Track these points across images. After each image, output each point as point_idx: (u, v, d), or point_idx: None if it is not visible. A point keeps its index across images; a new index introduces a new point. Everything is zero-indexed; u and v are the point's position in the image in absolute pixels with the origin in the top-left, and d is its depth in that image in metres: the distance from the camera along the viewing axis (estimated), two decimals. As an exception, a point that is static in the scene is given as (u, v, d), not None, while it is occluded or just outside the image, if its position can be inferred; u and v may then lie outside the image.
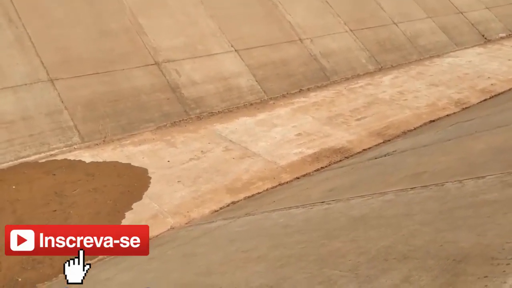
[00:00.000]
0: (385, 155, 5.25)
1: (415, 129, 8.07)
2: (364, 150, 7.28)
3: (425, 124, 8.28)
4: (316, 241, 2.38)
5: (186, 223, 5.21)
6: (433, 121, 8.39)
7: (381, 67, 11.27)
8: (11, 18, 7.56)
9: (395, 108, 8.97)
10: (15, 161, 6.23)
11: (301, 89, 9.71)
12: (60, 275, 4.28)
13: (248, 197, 5.81)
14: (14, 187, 5.79)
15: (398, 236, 2.01)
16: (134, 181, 6.27)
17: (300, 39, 10.73)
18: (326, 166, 6.67)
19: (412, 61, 11.93)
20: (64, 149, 6.68)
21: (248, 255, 2.56)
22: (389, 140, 7.60)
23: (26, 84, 7.02)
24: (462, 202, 2.19)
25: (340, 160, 6.88)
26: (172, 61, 8.65)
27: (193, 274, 2.59)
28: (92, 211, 5.40)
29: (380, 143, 7.52)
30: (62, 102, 7.13)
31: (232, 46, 9.60)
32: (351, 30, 11.71)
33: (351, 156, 7.04)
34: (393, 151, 5.35)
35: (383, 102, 9.25)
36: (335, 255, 2.01)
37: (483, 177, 2.48)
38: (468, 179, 2.49)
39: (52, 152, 6.56)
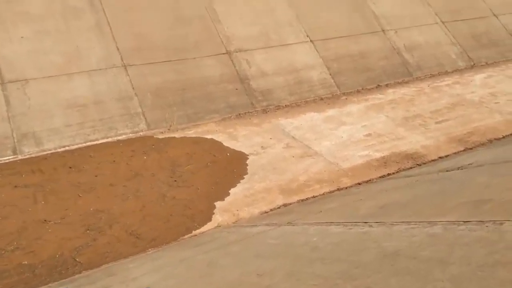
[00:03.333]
0: (457, 168, 4.66)
1: (504, 137, 7.16)
2: (440, 158, 6.61)
3: (517, 132, 7.32)
4: (331, 279, 2.08)
5: (234, 222, 5.08)
6: (528, 129, 7.39)
7: (474, 64, 10.20)
8: (93, 2, 7.86)
9: (484, 112, 8.05)
10: (84, 144, 6.49)
11: (378, 85, 9.09)
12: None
13: (302, 200, 5.53)
14: (145, 157, 6.21)
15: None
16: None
17: (383, 30, 10.03)
18: (393, 173, 6.15)
19: (511, 59, 10.64)
20: (131, 135, 6.84)
21: (259, 281, 2.33)
22: (470, 149, 6.83)
23: (101, 69, 7.27)
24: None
25: (411, 168, 6.30)
26: (244, 51, 8.50)
27: (201, 294, 2.43)
28: (197, 187, 5.79)
29: (460, 151, 6.78)
30: (133, 88, 7.30)
31: (308, 36, 9.22)
32: (442, 22, 10.71)
33: (424, 163, 6.43)
34: (468, 164, 4.74)
35: (471, 104, 8.35)
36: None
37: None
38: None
39: (119, 138, 6.75)
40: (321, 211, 4.05)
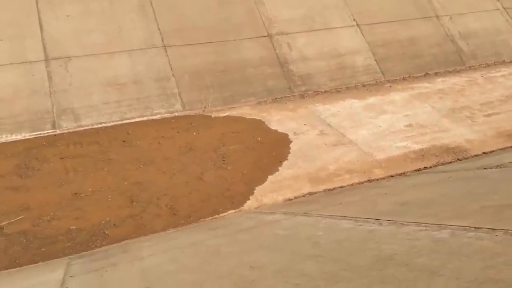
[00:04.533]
0: (497, 166, 4.32)
1: (560, 135, 6.58)
2: (484, 153, 6.18)
3: None
4: (315, 280, 1.96)
5: (256, 208, 5.02)
6: None
7: (537, 54, 9.40)
8: (138, -16, 7.93)
9: (541, 106, 7.43)
10: (120, 121, 6.63)
11: (427, 73, 8.61)
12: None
13: (329, 189, 5.36)
14: (194, 133, 6.45)
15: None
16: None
17: (436, 16, 9.45)
18: (430, 167, 5.82)
19: None
20: (166, 115, 6.92)
21: (248, 274, 2.25)
22: (520, 145, 6.33)
23: (141, 49, 7.37)
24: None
25: (450, 162, 5.94)
26: (285, 34, 8.31)
27: (189, 283, 2.39)
28: (241, 167, 5.84)
29: (508, 148, 6.31)
30: (171, 69, 7.35)
31: (354, 20, 8.86)
32: (504, 8, 9.93)
33: (465, 158, 6.03)
34: (509, 162, 4.38)
35: (527, 97, 7.73)
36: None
37: None
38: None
39: (154, 117, 6.84)
40: (340, 203, 3.90)
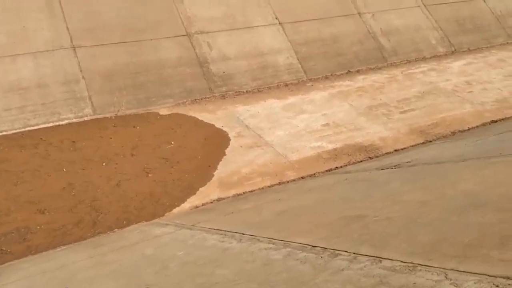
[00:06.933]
0: (393, 167, 4.34)
1: (469, 129, 6.79)
2: (396, 150, 6.26)
3: (484, 124, 6.93)
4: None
5: (159, 218, 4.81)
6: (496, 121, 7.00)
7: (454, 50, 9.72)
8: (45, -19, 7.47)
9: (454, 102, 7.65)
10: (23, 129, 6.22)
11: (349, 71, 8.68)
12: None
13: (238, 194, 5.23)
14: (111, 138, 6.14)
15: None
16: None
17: (359, 13, 9.54)
18: (341, 167, 5.82)
19: (496, 45, 10.14)
20: (74, 120, 6.55)
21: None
22: (430, 141, 6.47)
23: (47, 51, 6.94)
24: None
25: (361, 161, 5.97)
26: (205, 33, 8.10)
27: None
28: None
29: (419, 144, 6.43)
30: (81, 71, 6.97)
31: (276, 18, 8.78)
32: (424, 5, 10.19)
33: (377, 157, 6.08)
34: (406, 162, 4.41)
35: (442, 93, 7.94)
36: None
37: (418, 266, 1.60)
38: (378, 259, 1.67)
39: (61, 123, 6.47)
40: (232, 212, 3.76)
